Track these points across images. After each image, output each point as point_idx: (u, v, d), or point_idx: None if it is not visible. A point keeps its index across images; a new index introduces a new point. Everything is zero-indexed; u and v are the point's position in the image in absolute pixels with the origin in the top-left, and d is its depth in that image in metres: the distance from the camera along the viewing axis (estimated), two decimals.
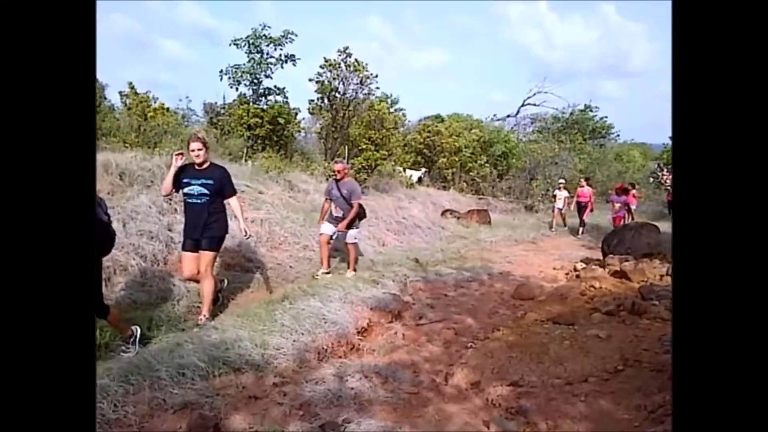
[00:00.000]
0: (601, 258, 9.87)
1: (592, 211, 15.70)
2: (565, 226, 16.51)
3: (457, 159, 22.74)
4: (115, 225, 6.82)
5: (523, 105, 34.44)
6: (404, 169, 19.25)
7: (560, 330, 5.39)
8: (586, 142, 27.17)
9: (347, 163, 14.75)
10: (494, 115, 34.61)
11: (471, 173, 23.08)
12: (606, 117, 35.20)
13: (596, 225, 16.26)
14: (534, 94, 33.70)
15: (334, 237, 8.08)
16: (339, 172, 7.95)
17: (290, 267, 8.17)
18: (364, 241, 10.11)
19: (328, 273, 7.78)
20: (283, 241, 8.94)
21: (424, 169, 21.69)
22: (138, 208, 7.51)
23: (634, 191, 16.81)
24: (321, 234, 7.91)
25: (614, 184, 18.26)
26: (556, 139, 28.73)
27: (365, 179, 14.12)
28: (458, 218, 15.28)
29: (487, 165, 24.32)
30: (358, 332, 5.35)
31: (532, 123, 34.83)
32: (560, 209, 16.26)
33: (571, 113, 33.23)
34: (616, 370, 4.26)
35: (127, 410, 3.35)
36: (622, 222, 13.46)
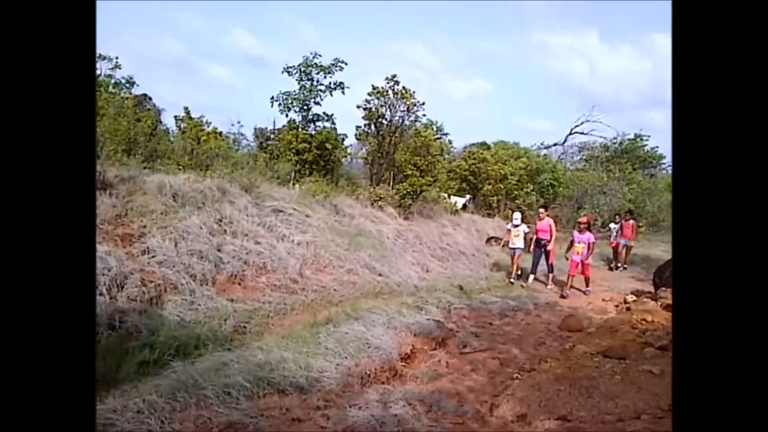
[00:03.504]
0: (653, 290, 9.53)
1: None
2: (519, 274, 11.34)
3: (502, 186, 22.52)
4: (166, 244, 7.10)
5: (570, 133, 33.94)
6: (449, 196, 19.17)
7: (611, 364, 5.21)
8: (635, 172, 26.45)
9: (392, 188, 14.91)
10: (541, 143, 34.25)
11: (517, 201, 22.80)
12: (657, 147, 34.33)
13: (646, 256, 15.63)
14: (582, 123, 33.17)
15: None
16: None
17: (334, 290, 8.22)
18: (407, 267, 10.11)
19: None
20: (328, 264, 9.02)
21: (468, 196, 21.56)
22: (189, 228, 7.73)
23: (632, 221, 13.46)
24: None
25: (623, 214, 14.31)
26: (604, 168, 28.10)
27: (410, 205, 14.14)
28: (503, 246, 15.06)
29: (533, 193, 23.99)
30: (402, 358, 5.32)
31: (579, 152, 34.20)
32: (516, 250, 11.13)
33: (621, 142, 32.47)
34: (670, 408, 4.08)
35: (173, 427, 3.43)
36: (579, 268, 9.97)
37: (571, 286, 10.00)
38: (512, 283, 10.70)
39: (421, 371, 5.13)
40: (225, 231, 8.16)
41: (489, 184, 22.22)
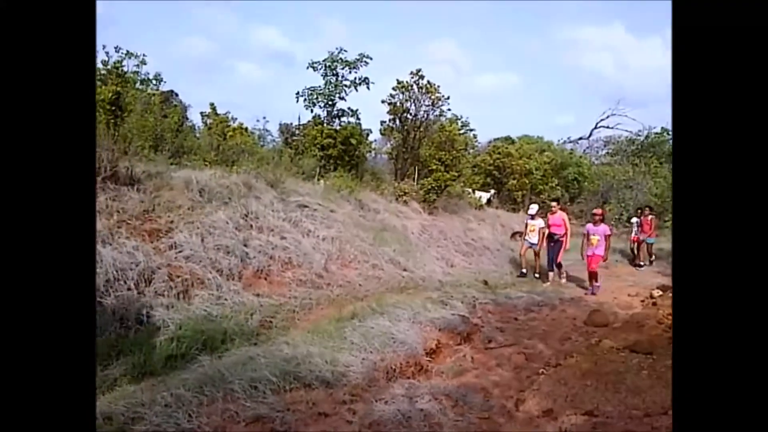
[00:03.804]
0: None
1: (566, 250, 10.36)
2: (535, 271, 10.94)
3: (527, 181, 22.34)
4: (193, 239, 7.19)
5: (596, 127, 33.37)
6: (473, 191, 19.06)
7: (637, 359, 5.13)
8: (662, 166, 25.89)
9: (416, 183, 14.86)
10: (567, 138, 33.82)
11: (542, 195, 22.56)
12: None
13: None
14: (607, 117, 32.55)
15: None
16: None
17: (359, 285, 8.23)
18: (432, 262, 10.07)
19: None
20: (353, 259, 9.03)
21: (493, 191, 21.40)
22: (215, 223, 7.80)
23: (651, 217, 12.95)
24: None
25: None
26: (630, 162, 27.59)
27: (434, 200, 14.09)
28: (522, 240, 14.91)
29: (558, 187, 23.74)
30: (427, 353, 5.30)
31: (605, 146, 33.60)
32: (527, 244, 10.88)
33: (647, 136, 31.78)
34: None
35: (201, 420, 3.46)
36: (598, 263, 9.30)
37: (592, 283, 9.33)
38: (523, 275, 10.52)
39: (447, 366, 5.10)
40: (251, 226, 8.22)
41: (514, 179, 22.07)
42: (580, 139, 33.95)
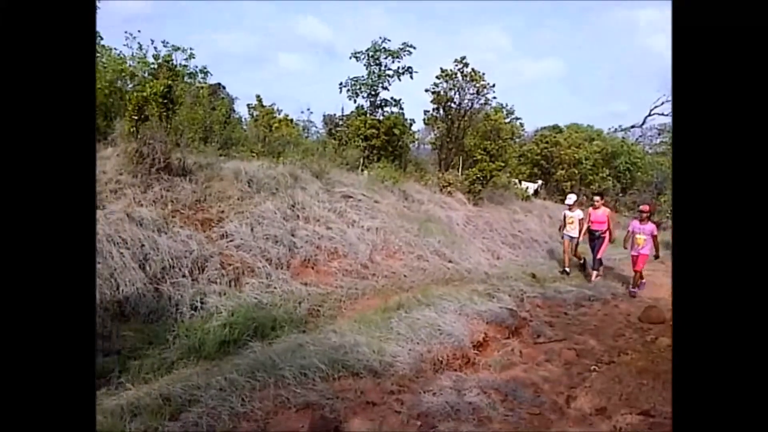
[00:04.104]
0: None
1: (612, 242, 9.91)
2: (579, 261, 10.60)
3: (576, 171, 21.76)
4: (243, 229, 7.34)
5: (649, 115, 32.03)
6: (520, 181, 18.74)
7: None
8: None
9: (461, 173, 14.69)
10: (618, 126, 32.70)
11: (591, 186, 21.97)
12: None
13: None
14: (662, 103, 31.20)
15: None
16: None
17: (404, 276, 8.24)
18: (478, 254, 9.97)
19: None
20: (398, 250, 9.05)
21: (540, 182, 20.99)
22: (264, 213, 7.95)
23: None
24: None
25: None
26: None
27: (480, 190, 13.91)
28: (559, 231, 14.56)
29: (609, 178, 23.05)
30: (474, 346, 5.26)
31: (659, 134, 32.29)
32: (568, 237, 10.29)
33: None
34: None
35: (254, 405, 3.54)
36: (644, 264, 8.63)
37: (637, 283, 8.64)
38: (566, 273, 9.82)
39: (494, 359, 5.04)
40: (298, 216, 8.34)
41: (562, 169, 21.57)
42: (633, 127, 32.69)
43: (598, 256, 9.54)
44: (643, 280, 8.72)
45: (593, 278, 9.41)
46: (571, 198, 10.33)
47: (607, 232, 9.44)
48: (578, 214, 10.01)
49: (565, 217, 10.21)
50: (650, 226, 8.55)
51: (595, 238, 9.57)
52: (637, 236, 8.54)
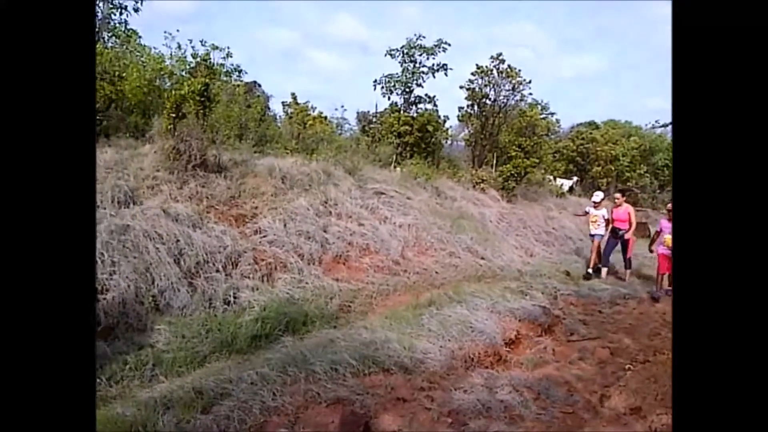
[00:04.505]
0: None
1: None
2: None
3: (612, 168, 21.35)
4: (276, 224, 7.43)
5: None
6: (554, 178, 18.46)
7: None
8: None
9: (494, 170, 14.54)
10: (656, 122, 31.89)
11: (628, 183, 21.49)
12: None
13: None
14: None
15: None
16: None
17: (436, 273, 8.20)
18: (511, 251, 9.86)
19: None
20: (430, 246, 9.01)
21: (575, 178, 20.66)
22: (297, 209, 8.02)
23: None
24: None
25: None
26: None
27: (513, 187, 13.76)
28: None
29: (647, 175, 22.52)
30: (506, 343, 5.20)
31: None
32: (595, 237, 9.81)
33: None
34: None
35: (284, 399, 3.57)
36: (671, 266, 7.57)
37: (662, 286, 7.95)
38: (589, 275, 9.13)
39: (527, 357, 4.98)
40: (330, 212, 8.39)
41: (598, 166, 21.20)
42: (671, 123, 31.95)
43: (628, 256, 9.19)
44: (669, 287, 7.76)
45: (627, 278, 9.10)
46: (599, 195, 9.94)
47: (630, 231, 9.06)
48: (603, 212, 9.58)
49: (588, 215, 9.84)
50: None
51: (617, 237, 9.17)
52: (666, 236, 7.87)
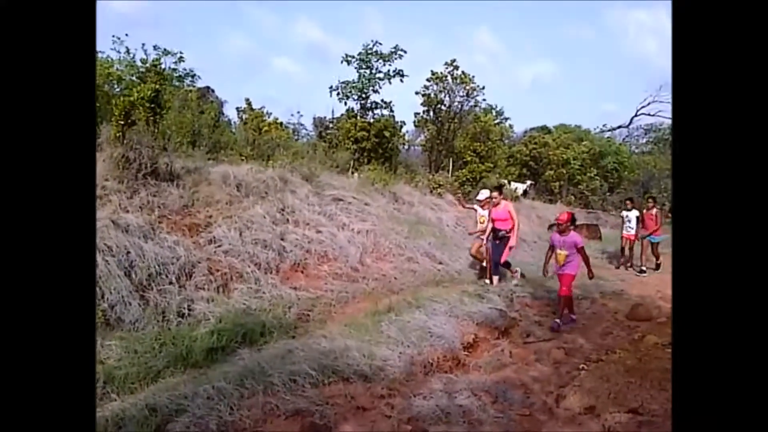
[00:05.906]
0: None
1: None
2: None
3: (564, 171, 21.94)
4: (231, 233, 7.29)
5: (636, 115, 32.29)
6: (509, 182, 18.81)
7: None
8: None
9: (451, 175, 14.72)
10: (604, 125, 32.97)
11: (580, 186, 22.13)
12: None
13: None
14: (648, 104, 31.45)
15: None
16: None
17: (395, 278, 8.23)
18: (468, 255, 9.97)
19: None
20: (388, 252, 9.04)
21: (529, 182, 21.08)
22: (253, 218, 7.90)
23: (655, 210, 10.73)
24: None
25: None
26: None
27: (469, 192, 13.96)
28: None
29: (597, 177, 23.26)
30: (464, 347, 5.26)
31: (645, 134, 32.59)
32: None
33: None
34: None
35: (242, 413, 3.50)
36: (570, 285, 6.49)
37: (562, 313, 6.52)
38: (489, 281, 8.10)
39: (485, 361, 5.05)
40: (287, 220, 8.30)
41: (551, 170, 21.74)
42: (620, 127, 33.00)
43: (503, 259, 8.12)
44: (574, 317, 6.67)
45: (494, 284, 7.90)
46: (483, 193, 8.96)
47: (512, 231, 7.93)
48: (486, 212, 8.50)
49: (476, 213, 9.07)
50: (573, 238, 6.56)
51: (498, 239, 8.02)
52: (558, 252, 6.63)
